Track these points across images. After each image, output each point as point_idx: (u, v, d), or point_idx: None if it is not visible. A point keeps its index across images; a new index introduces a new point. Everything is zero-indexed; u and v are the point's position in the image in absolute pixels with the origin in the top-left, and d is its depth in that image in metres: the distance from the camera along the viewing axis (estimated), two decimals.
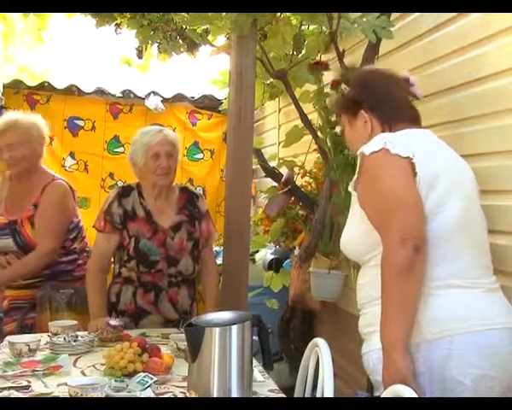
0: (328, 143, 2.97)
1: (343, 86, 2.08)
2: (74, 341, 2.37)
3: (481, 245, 1.91)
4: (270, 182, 3.97)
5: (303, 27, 3.40)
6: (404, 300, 1.75)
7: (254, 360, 2.04)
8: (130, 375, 2.01)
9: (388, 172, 1.84)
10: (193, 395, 1.77)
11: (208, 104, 5.35)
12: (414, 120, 2.02)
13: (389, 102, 2.01)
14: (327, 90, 3.57)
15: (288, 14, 3.25)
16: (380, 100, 2.01)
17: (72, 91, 5.11)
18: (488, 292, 1.84)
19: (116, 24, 3.61)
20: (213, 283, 2.92)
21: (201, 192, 4.93)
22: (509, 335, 1.80)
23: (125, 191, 2.83)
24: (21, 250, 3.00)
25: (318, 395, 2.00)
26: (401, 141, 1.86)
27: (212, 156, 5.35)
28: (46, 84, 5.11)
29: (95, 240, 2.87)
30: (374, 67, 2.11)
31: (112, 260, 2.87)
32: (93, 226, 2.85)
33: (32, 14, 4.08)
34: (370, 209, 1.86)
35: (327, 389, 1.94)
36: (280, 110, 4.67)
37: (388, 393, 1.65)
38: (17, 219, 3.00)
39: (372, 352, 1.86)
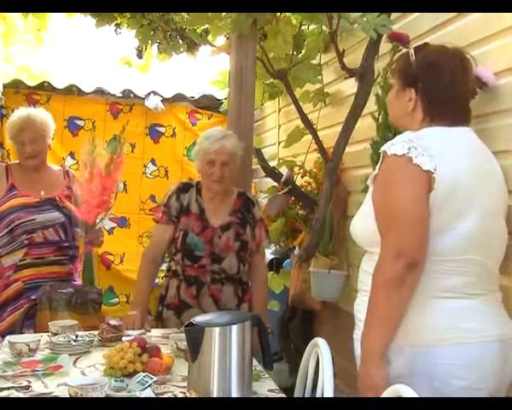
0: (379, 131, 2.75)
1: (411, 51, 1.99)
2: (74, 341, 2.37)
3: (493, 259, 1.87)
4: (270, 182, 3.97)
5: (303, 27, 3.40)
6: (389, 313, 1.75)
7: (254, 360, 2.05)
8: (130, 375, 2.01)
9: (402, 183, 1.78)
10: (193, 395, 1.77)
11: (208, 104, 5.34)
12: (459, 121, 1.89)
13: (444, 96, 1.88)
14: (327, 90, 3.61)
15: (287, 14, 3.25)
16: (435, 90, 1.89)
17: (72, 91, 5.10)
18: (484, 302, 1.82)
19: (116, 24, 3.61)
20: (262, 290, 3.01)
21: None
22: (500, 347, 1.78)
23: (184, 187, 2.96)
24: (68, 220, 3.26)
25: (318, 395, 2.01)
26: (426, 148, 1.77)
27: None
28: (46, 84, 5.09)
29: (153, 230, 3.05)
30: (450, 49, 1.93)
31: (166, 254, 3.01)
32: (152, 219, 3.05)
33: (31, 15, 4.08)
34: (377, 213, 1.85)
35: (327, 389, 1.94)
36: (280, 110, 4.67)
37: (388, 393, 1.65)
38: (55, 197, 3.26)
39: (359, 342, 1.87)
